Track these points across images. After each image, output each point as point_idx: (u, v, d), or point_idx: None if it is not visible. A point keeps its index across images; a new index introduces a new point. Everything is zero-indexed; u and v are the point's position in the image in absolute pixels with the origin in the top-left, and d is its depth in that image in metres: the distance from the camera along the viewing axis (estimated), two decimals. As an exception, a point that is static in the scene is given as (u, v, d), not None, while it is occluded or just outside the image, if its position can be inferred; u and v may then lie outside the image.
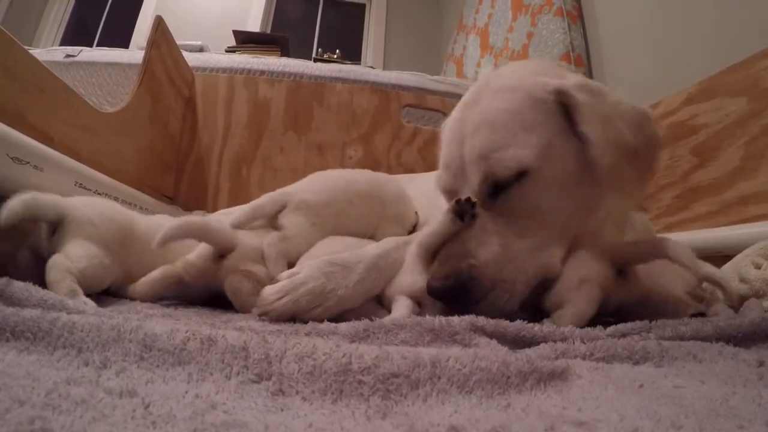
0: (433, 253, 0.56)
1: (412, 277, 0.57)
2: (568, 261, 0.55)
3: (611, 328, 0.46)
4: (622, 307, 0.54)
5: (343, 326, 0.45)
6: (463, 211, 0.53)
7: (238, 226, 0.71)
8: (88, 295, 0.56)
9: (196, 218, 0.67)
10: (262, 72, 1.71)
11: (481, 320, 0.44)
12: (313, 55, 3.69)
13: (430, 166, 0.71)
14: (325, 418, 0.25)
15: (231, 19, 3.78)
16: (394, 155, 1.68)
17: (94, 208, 0.64)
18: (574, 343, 0.40)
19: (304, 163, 1.64)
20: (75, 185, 0.85)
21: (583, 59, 1.64)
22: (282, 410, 0.25)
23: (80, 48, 1.71)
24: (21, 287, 0.46)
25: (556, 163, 0.54)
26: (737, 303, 0.60)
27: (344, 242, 0.74)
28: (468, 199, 0.53)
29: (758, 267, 0.64)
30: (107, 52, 1.71)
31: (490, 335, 0.42)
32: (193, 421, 0.22)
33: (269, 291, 0.54)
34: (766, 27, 0.98)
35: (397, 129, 1.69)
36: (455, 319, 0.44)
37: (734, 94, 0.96)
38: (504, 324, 0.44)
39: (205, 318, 0.56)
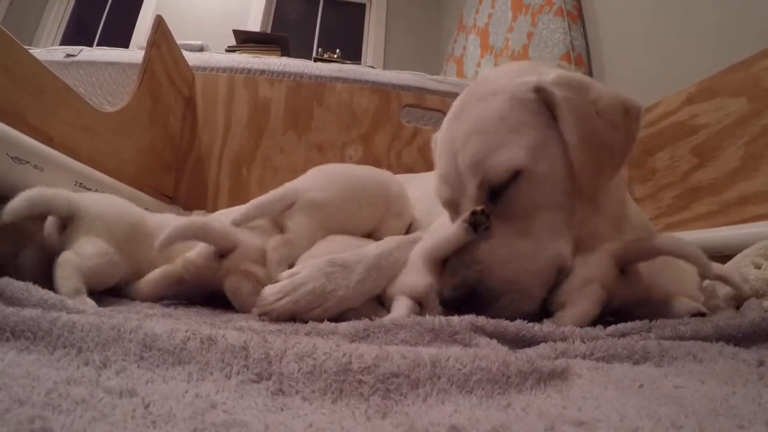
0: (441, 261, 0.56)
1: (414, 277, 0.57)
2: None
3: (611, 328, 0.46)
4: (624, 306, 0.54)
5: (343, 326, 0.45)
6: (477, 223, 0.53)
7: (240, 223, 0.70)
8: (89, 294, 0.56)
9: (197, 219, 0.67)
10: (263, 72, 1.70)
11: (481, 320, 0.44)
12: (313, 54, 3.68)
13: (430, 166, 0.72)
14: (325, 417, 0.25)
15: (231, 19, 3.79)
16: (394, 155, 1.68)
17: (106, 205, 0.64)
18: (574, 342, 0.40)
19: (304, 163, 1.64)
20: (75, 185, 0.85)
21: (583, 59, 1.64)
22: (282, 410, 0.25)
23: (80, 48, 1.71)
24: (21, 287, 0.46)
25: (548, 159, 0.54)
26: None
27: (344, 241, 0.74)
28: (482, 210, 0.53)
29: (758, 267, 0.64)
30: (107, 52, 1.71)
31: (490, 335, 0.42)
32: (193, 421, 0.22)
33: (269, 291, 0.54)
34: (766, 27, 0.98)
35: (397, 129, 1.69)
36: (455, 319, 0.44)
37: (734, 94, 0.96)
38: (504, 324, 0.44)
39: (205, 318, 0.56)
